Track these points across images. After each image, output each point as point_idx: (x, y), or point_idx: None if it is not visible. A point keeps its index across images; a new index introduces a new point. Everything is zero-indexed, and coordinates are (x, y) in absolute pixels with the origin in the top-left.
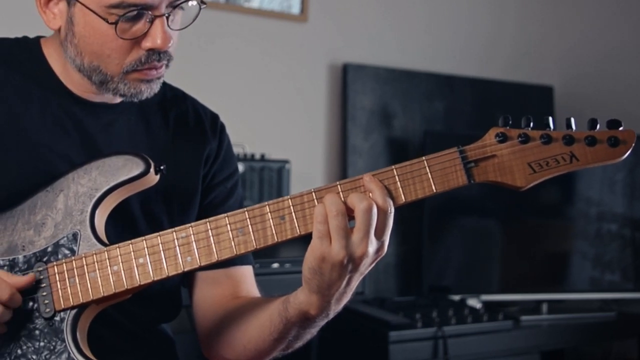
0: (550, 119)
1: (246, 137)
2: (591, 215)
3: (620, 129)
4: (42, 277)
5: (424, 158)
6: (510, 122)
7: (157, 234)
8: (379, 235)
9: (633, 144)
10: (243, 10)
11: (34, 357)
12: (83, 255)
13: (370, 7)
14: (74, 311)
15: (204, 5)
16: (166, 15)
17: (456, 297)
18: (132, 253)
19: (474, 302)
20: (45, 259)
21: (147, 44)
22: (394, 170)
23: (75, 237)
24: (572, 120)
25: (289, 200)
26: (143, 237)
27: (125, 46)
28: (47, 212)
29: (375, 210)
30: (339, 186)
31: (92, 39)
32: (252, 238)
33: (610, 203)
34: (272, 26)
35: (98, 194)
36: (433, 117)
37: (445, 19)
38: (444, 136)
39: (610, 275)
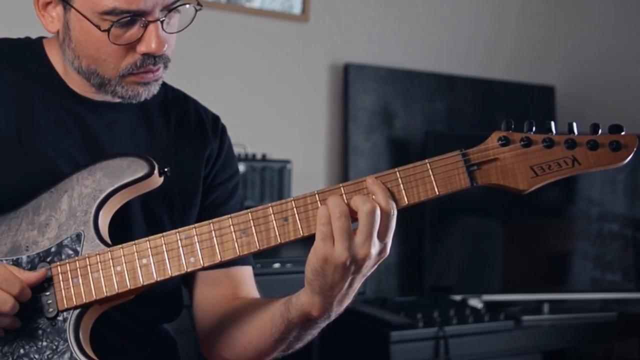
0: (553, 123)
1: (247, 137)
2: (592, 215)
3: (622, 133)
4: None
5: (426, 161)
6: (513, 126)
7: (161, 234)
8: (382, 237)
9: (635, 149)
10: (244, 10)
11: (37, 356)
12: (87, 255)
13: (371, 7)
14: (77, 311)
15: (200, 8)
16: (160, 20)
17: (457, 297)
18: (136, 253)
19: (475, 302)
20: (48, 259)
21: (141, 48)
22: (397, 172)
23: (79, 237)
24: (574, 124)
25: (292, 202)
26: (147, 238)
27: (120, 51)
28: (51, 213)
29: (378, 212)
30: (342, 188)
31: (88, 44)
32: (255, 239)
33: (611, 203)
34: (273, 26)
35: (102, 195)
36: (434, 117)
37: (447, 18)
38: (446, 136)
39: (612, 276)
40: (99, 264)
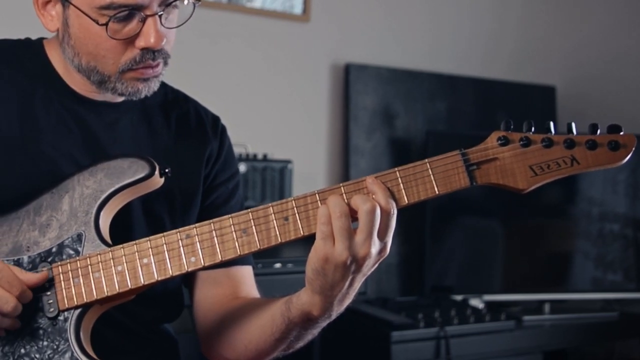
0: (552, 123)
1: (248, 137)
2: (593, 215)
3: (621, 133)
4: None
5: (426, 160)
6: (512, 126)
7: (162, 234)
8: (382, 236)
9: (633, 148)
10: (245, 10)
11: (37, 356)
12: (87, 255)
13: (372, 7)
14: (77, 311)
15: (199, 3)
16: (158, 14)
17: (458, 297)
18: (137, 253)
19: (476, 302)
20: (49, 260)
21: (140, 43)
22: (397, 172)
23: (79, 237)
24: (573, 124)
25: (293, 201)
26: (147, 238)
27: (119, 46)
28: (52, 214)
29: (378, 211)
30: (342, 188)
31: (87, 40)
32: (256, 239)
33: (612, 203)
34: (274, 26)
35: (103, 196)
36: (435, 117)
37: (448, 18)
38: (446, 136)
39: (613, 275)
40: (100, 263)
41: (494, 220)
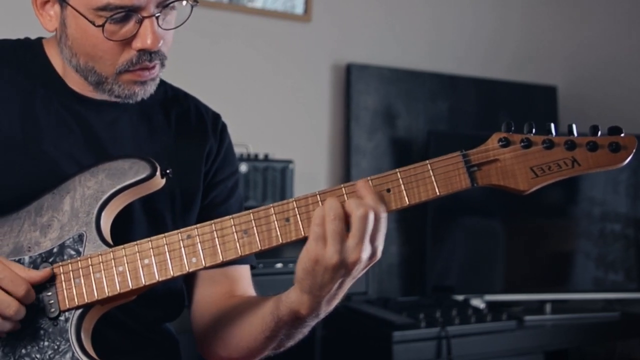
0: (552, 125)
1: (250, 137)
2: (595, 215)
3: (622, 135)
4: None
5: (427, 162)
6: (513, 127)
7: (163, 235)
8: (373, 241)
9: (634, 150)
10: (246, 10)
11: (38, 356)
12: (89, 255)
13: (373, 7)
14: (78, 311)
15: (196, 4)
16: (155, 15)
17: (460, 297)
18: (138, 254)
19: (477, 302)
20: (50, 260)
21: (137, 44)
22: (398, 173)
23: (81, 238)
24: (574, 126)
25: (294, 202)
26: (149, 238)
27: (116, 47)
28: (54, 214)
29: (371, 217)
30: (343, 189)
31: (84, 41)
32: (257, 239)
33: (613, 203)
34: (275, 26)
35: (104, 197)
36: (437, 117)
37: (449, 18)
38: (448, 136)
39: (614, 275)
40: (101, 264)
41: (495, 220)
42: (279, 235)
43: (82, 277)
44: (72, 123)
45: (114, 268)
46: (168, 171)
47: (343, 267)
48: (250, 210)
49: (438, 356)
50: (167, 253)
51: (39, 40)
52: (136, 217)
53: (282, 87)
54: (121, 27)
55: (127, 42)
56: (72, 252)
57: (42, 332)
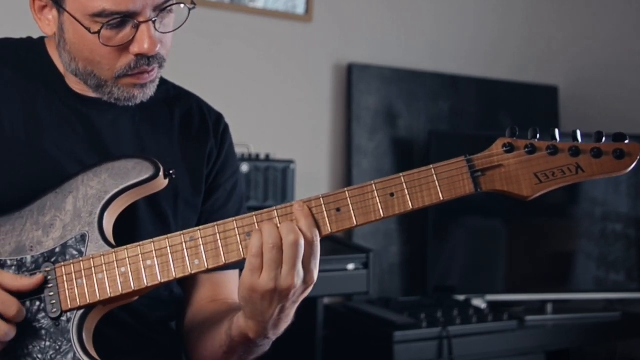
0: (557, 130)
1: (251, 137)
2: (596, 215)
3: (626, 141)
4: (49, 277)
5: (431, 166)
6: (517, 132)
7: (165, 236)
8: (306, 266)
9: (638, 157)
10: (248, 10)
11: (40, 356)
12: (91, 256)
13: (375, 7)
14: (80, 311)
15: (193, 6)
16: (152, 19)
17: (461, 297)
18: (140, 255)
19: (478, 302)
20: (53, 260)
21: (134, 49)
22: (402, 177)
23: (83, 238)
24: (578, 132)
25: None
26: (151, 240)
27: (113, 52)
28: (56, 214)
29: (302, 243)
30: (347, 193)
31: (82, 46)
32: None
33: (615, 203)
34: (276, 26)
35: (107, 197)
36: (438, 117)
37: (451, 19)
38: (449, 136)
39: (615, 275)
40: (104, 265)
41: (497, 220)
42: None
43: (84, 278)
44: (74, 122)
45: (117, 269)
46: (171, 172)
47: (277, 294)
48: (253, 213)
49: (439, 356)
50: (169, 254)
51: (42, 39)
52: (142, 217)
53: (283, 87)
54: (118, 32)
55: (124, 47)
56: (75, 252)
57: (43, 332)
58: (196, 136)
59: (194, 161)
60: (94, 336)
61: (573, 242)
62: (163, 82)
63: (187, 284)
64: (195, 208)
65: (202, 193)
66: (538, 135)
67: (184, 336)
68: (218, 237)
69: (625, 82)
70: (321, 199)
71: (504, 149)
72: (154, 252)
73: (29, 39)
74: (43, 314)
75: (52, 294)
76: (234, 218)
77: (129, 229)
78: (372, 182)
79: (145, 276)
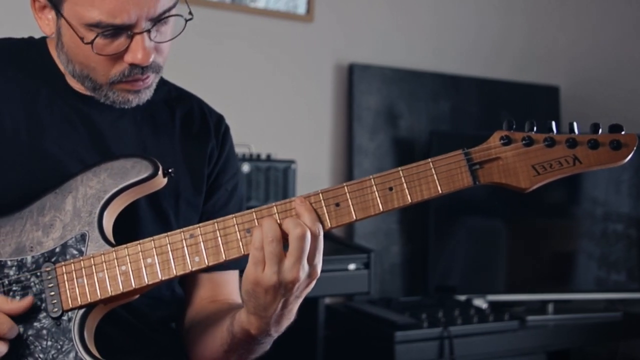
0: (554, 123)
1: (252, 137)
2: (597, 215)
3: (623, 132)
4: (50, 277)
5: (429, 160)
6: (514, 125)
7: (166, 234)
8: (311, 260)
9: (635, 148)
10: (249, 10)
11: (41, 356)
12: (91, 255)
13: (376, 7)
14: (81, 311)
15: (191, 18)
16: (146, 30)
17: (462, 297)
18: (140, 253)
19: (479, 302)
20: (53, 260)
21: (128, 58)
22: (400, 172)
23: (83, 237)
24: (575, 124)
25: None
26: (151, 238)
27: (108, 60)
28: (56, 214)
29: (308, 236)
30: (345, 187)
31: (78, 51)
32: None
33: (616, 203)
34: (277, 26)
35: (106, 196)
36: (439, 117)
37: (452, 19)
38: (450, 136)
39: (616, 276)
40: (104, 263)
41: (498, 220)
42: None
43: (85, 277)
44: (76, 121)
45: (117, 267)
46: (170, 170)
47: (282, 287)
48: (253, 210)
49: (440, 356)
50: (170, 252)
51: (43, 39)
52: (143, 217)
53: (284, 87)
54: (112, 41)
55: (119, 56)
56: (75, 252)
57: (45, 331)
58: (197, 137)
59: (194, 161)
60: (96, 335)
61: (574, 242)
62: (164, 82)
63: (188, 284)
64: (197, 208)
65: (203, 193)
66: (535, 128)
67: (184, 336)
68: (218, 234)
69: (626, 82)
70: (320, 195)
71: (502, 141)
72: (154, 250)
73: (31, 38)
74: (44, 314)
75: (53, 293)
76: (233, 215)
77: (131, 230)
78: (371, 176)
79: (146, 274)
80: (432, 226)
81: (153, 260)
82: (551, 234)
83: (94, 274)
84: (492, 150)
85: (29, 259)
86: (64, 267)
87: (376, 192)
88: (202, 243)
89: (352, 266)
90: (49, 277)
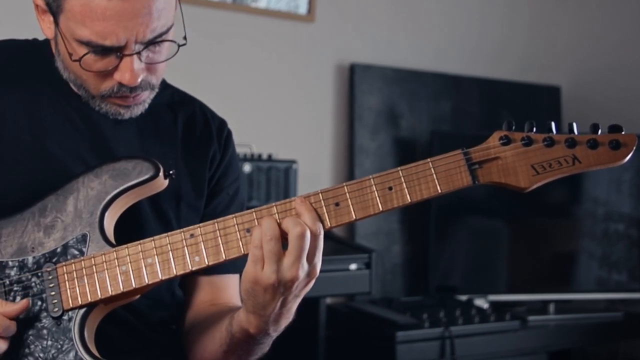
0: (553, 123)
1: (253, 137)
2: (598, 215)
3: (622, 132)
4: (51, 277)
5: (429, 160)
6: (514, 125)
7: (166, 234)
8: (310, 259)
9: (634, 148)
10: (250, 10)
11: (42, 355)
12: (92, 255)
13: (377, 7)
14: (82, 310)
15: (184, 43)
16: (135, 53)
17: (463, 297)
18: (141, 253)
19: (481, 302)
20: (54, 260)
21: (117, 77)
22: (400, 171)
23: (84, 238)
24: (574, 124)
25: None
26: (152, 238)
27: (98, 75)
28: (57, 215)
29: (308, 235)
30: (345, 187)
31: (70, 62)
32: None
33: (617, 203)
34: (279, 26)
35: (107, 197)
36: (440, 117)
37: (453, 19)
38: (451, 136)
39: (617, 276)
40: (105, 263)
41: (499, 220)
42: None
43: (85, 277)
44: (78, 122)
45: (117, 267)
46: (171, 172)
47: (281, 286)
48: (253, 209)
49: (441, 356)
50: (170, 252)
51: (47, 41)
52: (145, 220)
53: (285, 87)
54: (102, 59)
55: (108, 72)
56: (76, 252)
57: (45, 331)
58: (199, 140)
59: (196, 164)
60: (96, 335)
61: (575, 242)
62: (167, 86)
63: (188, 287)
64: (198, 211)
65: (204, 196)
66: (534, 128)
67: (184, 338)
68: (218, 234)
69: (627, 83)
70: (320, 194)
71: (501, 141)
72: (154, 249)
73: (35, 40)
74: (45, 313)
75: (53, 293)
76: (233, 215)
77: (133, 232)
78: (371, 176)
79: (146, 274)
80: (433, 226)
81: (153, 260)
82: (552, 234)
83: (95, 273)
84: (492, 150)
85: (30, 259)
86: (64, 267)
87: (376, 192)
88: (202, 243)
89: (353, 266)
90: (50, 277)
